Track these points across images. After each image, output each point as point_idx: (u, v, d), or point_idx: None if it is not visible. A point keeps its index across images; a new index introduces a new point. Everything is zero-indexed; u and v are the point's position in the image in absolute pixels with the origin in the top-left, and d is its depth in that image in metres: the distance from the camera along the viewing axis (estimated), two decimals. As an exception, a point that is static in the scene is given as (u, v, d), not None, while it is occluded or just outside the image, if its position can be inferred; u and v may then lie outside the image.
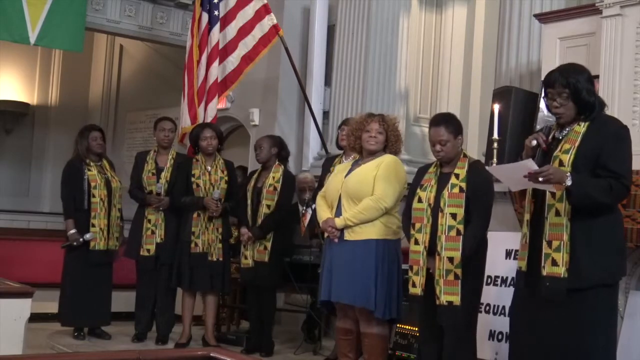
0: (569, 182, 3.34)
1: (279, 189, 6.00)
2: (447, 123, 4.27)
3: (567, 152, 3.44)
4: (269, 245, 5.95)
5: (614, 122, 3.61)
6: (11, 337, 3.78)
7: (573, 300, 3.40)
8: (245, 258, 5.98)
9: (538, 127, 4.59)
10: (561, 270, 3.40)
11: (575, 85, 3.45)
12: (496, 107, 4.97)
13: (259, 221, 5.95)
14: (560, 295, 3.40)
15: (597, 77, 4.59)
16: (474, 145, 6.71)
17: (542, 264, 3.45)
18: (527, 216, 3.63)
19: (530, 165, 3.38)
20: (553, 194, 3.45)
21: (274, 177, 6.03)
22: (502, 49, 6.04)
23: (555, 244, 3.42)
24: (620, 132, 3.50)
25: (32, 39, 7.82)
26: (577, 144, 3.43)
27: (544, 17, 5.27)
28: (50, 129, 11.85)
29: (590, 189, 3.37)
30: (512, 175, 3.55)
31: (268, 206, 5.97)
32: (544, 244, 3.46)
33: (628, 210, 4.11)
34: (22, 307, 3.89)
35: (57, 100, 11.95)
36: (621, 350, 4.28)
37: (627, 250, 3.59)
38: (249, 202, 6.03)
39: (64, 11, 7.88)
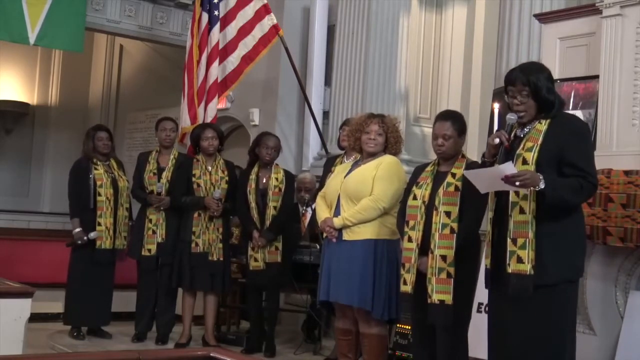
0: (542, 185, 3.38)
1: (283, 190, 6.00)
2: (455, 119, 4.29)
3: (530, 150, 3.48)
4: (279, 245, 5.95)
5: (575, 120, 3.69)
6: (11, 337, 3.78)
7: (539, 296, 3.45)
8: (255, 260, 5.94)
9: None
10: (527, 268, 3.43)
11: (535, 84, 3.51)
12: (496, 107, 4.97)
13: (267, 223, 5.92)
14: (526, 292, 3.44)
15: (597, 77, 4.59)
16: (474, 145, 6.71)
17: (507, 262, 3.49)
18: (490, 214, 3.68)
19: (509, 168, 3.41)
20: (517, 192, 3.49)
21: (277, 179, 6.01)
22: (502, 49, 6.04)
23: (520, 241, 3.46)
24: (583, 130, 3.59)
25: (32, 39, 7.82)
26: (539, 142, 3.47)
27: (544, 17, 5.26)
28: (50, 129, 11.84)
29: (563, 190, 3.42)
30: (485, 179, 3.56)
31: (275, 207, 5.96)
32: (509, 241, 3.49)
33: (628, 210, 4.11)
34: (22, 307, 3.89)
35: (57, 100, 11.94)
36: (621, 350, 4.28)
37: (586, 248, 3.69)
38: (252, 204, 5.98)
39: (63, 11, 7.88)
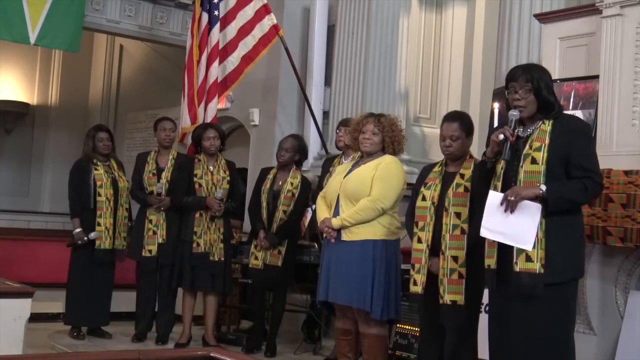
0: (543, 187, 3.44)
1: (296, 195, 5.98)
2: (462, 120, 4.30)
3: (539, 149, 3.52)
4: (283, 250, 5.93)
5: (577, 120, 3.80)
6: (11, 337, 3.78)
7: (544, 295, 3.47)
8: (256, 259, 5.94)
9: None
10: (536, 266, 3.46)
11: (537, 80, 3.60)
12: (496, 107, 4.98)
13: (274, 226, 5.92)
14: (536, 290, 3.46)
15: (597, 77, 4.59)
16: (474, 145, 6.65)
17: (514, 260, 3.50)
18: None
19: (494, 195, 3.52)
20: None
21: (292, 183, 5.98)
22: (502, 49, 6.04)
23: None
24: (586, 130, 3.70)
25: (32, 39, 7.81)
26: (547, 141, 3.53)
27: (544, 17, 5.26)
28: (50, 129, 11.85)
29: (565, 192, 3.48)
30: (498, 221, 3.55)
31: (284, 212, 5.94)
32: None
33: (628, 210, 4.11)
34: (22, 307, 3.89)
35: (57, 100, 11.95)
36: (621, 350, 4.28)
37: (586, 248, 3.77)
38: (264, 204, 5.99)
39: (63, 11, 7.88)
